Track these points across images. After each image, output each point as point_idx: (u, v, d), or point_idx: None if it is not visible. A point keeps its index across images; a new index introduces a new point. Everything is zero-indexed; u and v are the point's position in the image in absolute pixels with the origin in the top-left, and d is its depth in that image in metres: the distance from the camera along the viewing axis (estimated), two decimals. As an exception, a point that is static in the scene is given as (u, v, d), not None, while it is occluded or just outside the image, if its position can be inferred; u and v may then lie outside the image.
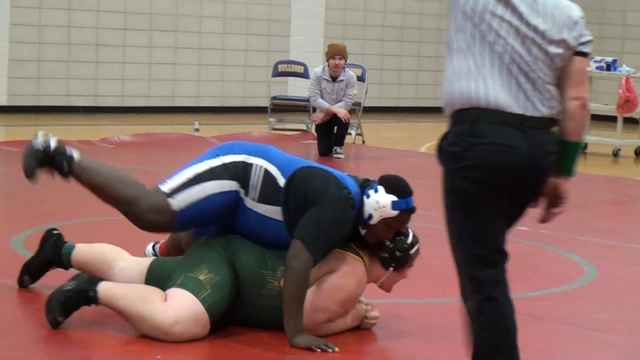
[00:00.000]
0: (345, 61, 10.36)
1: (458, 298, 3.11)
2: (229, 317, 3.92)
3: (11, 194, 7.47)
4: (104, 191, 3.98)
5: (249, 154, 4.02)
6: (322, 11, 15.68)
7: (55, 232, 4.41)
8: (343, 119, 10.14)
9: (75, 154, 4.08)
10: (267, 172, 3.95)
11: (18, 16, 13.12)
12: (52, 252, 4.35)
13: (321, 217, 3.86)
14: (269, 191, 3.93)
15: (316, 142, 10.47)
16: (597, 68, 12.32)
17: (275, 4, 15.14)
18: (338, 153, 10.29)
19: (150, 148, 10.19)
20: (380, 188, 4.06)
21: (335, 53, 10.20)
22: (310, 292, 3.90)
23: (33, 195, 7.15)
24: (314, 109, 10.52)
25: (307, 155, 10.14)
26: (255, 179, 3.94)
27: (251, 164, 3.97)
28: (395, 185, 4.09)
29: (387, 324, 4.16)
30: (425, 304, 4.46)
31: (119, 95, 14.03)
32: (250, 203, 3.94)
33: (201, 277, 3.84)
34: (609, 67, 12.27)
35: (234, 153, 4.03)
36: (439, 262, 5.46)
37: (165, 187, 3.96)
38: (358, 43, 16.00)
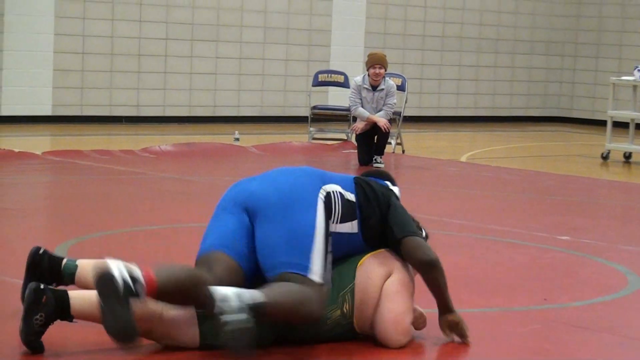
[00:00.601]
0: (386, 70, 10.35)
1: (499, 307, 3.08)
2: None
3: (55, 203, 7.55)
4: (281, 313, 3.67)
5: (323, 183, 4.00)
6: (363, 21, 15.70)
7: (41, 251, 4.12)
8: (383, 128, 10.13)
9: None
10: (341, 195, 3.97)
11: (62, 26, 13.28)
12: (50, 272, 4.11)
13: (402, 212, 4.03)
14: (347, 211, 3.96)
15: (356, 151, 10.47)
16: (640, 76, 12.19)
17: (316, 14, 15.18)
18: (378, 162, 10.27)
19: (190, 157, 10.25)
20: (386, 182, 4.21)
21: (375, 62, 10.20)
22: (388, 301, 3.89)
23: (77, 205, 7.23)
24: (354, 119, 10.53)
25: (347, 164, 10.14)
26: (336, 205, 3.95)
27: (329, 193, 3.97)
28: (391, 177, 4.27)
29: (428, 332, 4.15)
30: (466, 314, 4.44)
31: (160, 105, 14.14)
32: (332, 227, 3.94)
33: None
34: (652, 75, 12.14)
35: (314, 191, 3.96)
36: (477, 271, 5.44)
37: (316, 277, 3.75)
38: (398, 52, 15.99)
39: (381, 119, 10.16)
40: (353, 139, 11.30)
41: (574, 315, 4.57)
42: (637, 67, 12.46)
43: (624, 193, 9.55)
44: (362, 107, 10.31)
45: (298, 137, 12.34)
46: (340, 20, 15.41)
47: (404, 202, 4.16)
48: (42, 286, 3.63)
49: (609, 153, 12.12)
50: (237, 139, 11.74)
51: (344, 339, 3.89)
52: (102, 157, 9.82)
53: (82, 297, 3.68)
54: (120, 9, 13.66)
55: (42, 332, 3.62)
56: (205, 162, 10.01)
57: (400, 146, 11.83)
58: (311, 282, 3.71)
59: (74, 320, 3.68)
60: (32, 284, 3.63)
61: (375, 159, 10.31)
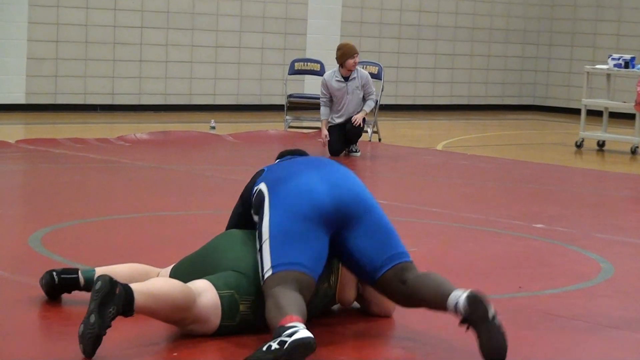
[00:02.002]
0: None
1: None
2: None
3: (30, 191, 7.51)
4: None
5: None
6: (339, 9, 15.68)
7: (55, 273, 4.16)
8: (355, 124, 10.12)
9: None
10: None
11: (36, 15, 13.18)
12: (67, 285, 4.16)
13: None
14: None
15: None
16: (615, 66, 12.27)
17: (293, 2, 15.15)
18: (354, 152, 10.28)
19: (166, 146, 10.22)
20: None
21: (354, 52, 10.20)
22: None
23: (51, 194, 7.19)
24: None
25: (324, 153, 10.14)
26: None
27: None
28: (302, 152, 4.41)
29: (406, 322, 4.16)
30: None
31: (135, 93, 14.07)
32: None
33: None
34: (627, 64, 12.22)
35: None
36: (452, 260, 5.46)
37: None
38: (374, 41, 15.99)
39: (362, 113, 10.17)
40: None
41: (548, 303, 4.60)
42: (611, 55, 12.53)
43: (597, 181, 9.61)
44: (337, 99, 10.27)
45: (274, 126, 12.32)
46: (317, 9, 15.39)
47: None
48: (113, 278, 3.51)
49: (582, 141, 12.18)
50: (213, 128, 11.71)
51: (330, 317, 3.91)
52: (77, 146, 9.76)
53: (144, 292, 3.59)
54: (94, -4, 13.57)
55: (109, 327, 3.50)
56: (181, 151, 9.98)
57: (376, 135, 11.84)
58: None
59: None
60: (103, 276, 3.50)
61: (351, 148, 10.32)
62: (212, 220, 6.28)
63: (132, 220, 6.23)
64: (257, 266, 3.83)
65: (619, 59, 12.31)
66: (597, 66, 12.89)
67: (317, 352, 3.49)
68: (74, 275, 4.15)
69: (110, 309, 3.47)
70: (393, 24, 16.29)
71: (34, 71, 13.25)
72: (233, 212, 4.23)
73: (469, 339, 3.68)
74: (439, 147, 11.65)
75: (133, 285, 3.58)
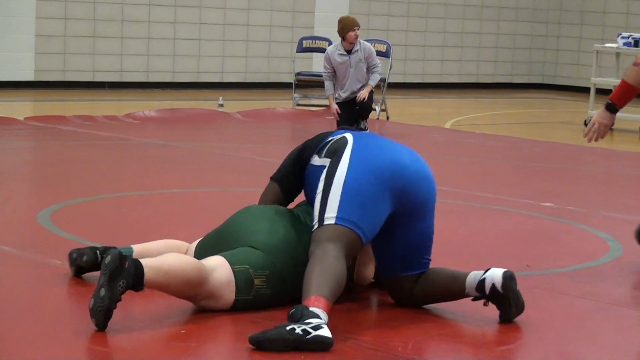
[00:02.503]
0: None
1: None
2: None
3: (38, 168, 7.53)
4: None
5: None
6: (347, -14, 15.62)
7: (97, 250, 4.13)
8: (359, 99, 10.06)
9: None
10: None
11: (44, -8, 13.16)
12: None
13: None
14: None
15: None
16: (625, 44, 12.21)
17: (300, -21, 15.09)
18: (363, 129, 10.27)
19: (174, 123, 10.22)
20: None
21: (354, 24, 10.12)
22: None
23: (60, 171, 7.20)
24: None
25: (334, 128, 10.12)
26: None
27: None
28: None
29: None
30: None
31: (143, 70, 14.06)
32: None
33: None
34: (637, 43, 12.16)
35: None
36: (461, 238, 5.46)
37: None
38: (383, 19, 15.94)
39: (368, 87, 10.09)
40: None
41: (556, 282, 4.60)
42: (620, 34, 12.47)
43: (606, 160, 9.59)
44: (341, 73, 10.20)
45: (282, 104, 12.31)
46: (325, -14, 15.33)
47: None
48: (122, 253, 3.52)
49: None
50: (221, 105, 11.71)
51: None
52: (85, 123, 9.77)
53: (154, 267, 3.58)
54: (102, -27, 13.54)
55: (119, 301, 3.51)
56: (189, 128, 9.98)
57: (384, 113, 11.82)
58: None
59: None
60: (113, 250, 3.52)
61: (361, 125, 10.30)
62: (220, 197, 6.29)
63: (141, 197, 6.24)
64: (272, 241, 3.83)
65: (628, 38, 12.25)
66: (607, 45, 12.84)
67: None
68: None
69: (120, 283, 3.48)
70: (402, 1, 16.22)
71: (42, 48, 13.24)
72: (278, 176, 4.16)
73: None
74: (448, 125, 11.62)
75: (143, 261, 3.58)
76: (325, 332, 3.38)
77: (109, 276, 3.47)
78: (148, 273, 3.56)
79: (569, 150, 9.89)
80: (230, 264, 3.78)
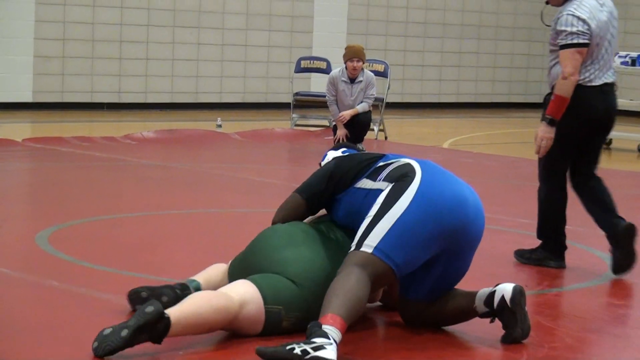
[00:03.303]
0: (364, 62, 10.24)
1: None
2: None
3: (36, 190, 7.52)
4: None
5: None
6: (345, 7, 15.68)
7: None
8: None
9: None
10: None
11: (43, 13, 13.21)
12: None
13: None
14: None
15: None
16: (622, 63, 12.24)
17: (299, 0, 15.15)
18: (360, 150, 10.27)
19: (173, 144, 10.23)
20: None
21: (353, 55, 10.08)
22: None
23: (58, 192, 7.20)
24: (335, 127, 10.31)
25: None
26: None
27: None
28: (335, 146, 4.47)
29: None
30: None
31: (142, 91, 14.09)
32: None
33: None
34: (634, 62, 12.20)
35: None
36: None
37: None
38: (381, 39, 15.98)
39: (350, 112, 10.07)
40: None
41: (554, 301, 4.60)
42: (618, 53, 12.50)
43: (604, 179, 9.58)
44: (341, 100, 10.23)
45: (280, 124, 12.33)
46: (323, 7, 15.39)
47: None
48: (164, 311, 3.46)
49: (590, 139, 12.15)
50: (220, 126, 11.72)
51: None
52: (84, 144, 9.78)
53: (181, 324, 3.52)
54: (101, -5, 13.59)
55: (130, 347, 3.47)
56: (188, 149, 9.99)
57: (382, 132, 11.84)
58: None
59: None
60: (156, 304, 3.44)
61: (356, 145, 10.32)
62: (219, 218, 6.29)
63: (139, 218, 6.24)
64: (309, 275, 3.77)
65: (625, 57, 12.29)
66: (604, 64, 12.85)
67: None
68: (188, 291, 3.99)
69: (143, 337, 3.44)
70: (399, 21, 16.28)
71: (41, 69, 13.27)
72: (299, 191, 4.08)
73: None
74: (446, 145, 11.64)
75: (175, 314, 3.50)
76: (326, 353, 3.36)
77: (139, 326, 3.41)
78: (172, 331, 3.49)
79: (567, 169, 9.89)
80: (265, 301, 3.69)
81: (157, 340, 3.49)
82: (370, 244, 3.66)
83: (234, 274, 3.95)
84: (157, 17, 14.05)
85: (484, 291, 3.85)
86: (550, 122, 5.24)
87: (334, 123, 10.27)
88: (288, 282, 3.76)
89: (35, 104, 13.30)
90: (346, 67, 10.18)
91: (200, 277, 4.06)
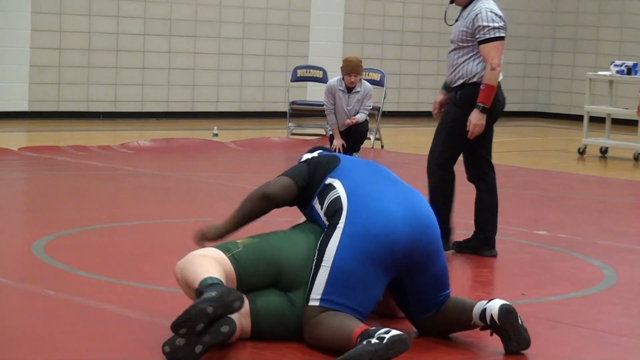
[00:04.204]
0: (361, 75, 10.22)
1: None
2: None
3: (32, 199, 7.51)
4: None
5: None
6: (341, 16, 15.70)
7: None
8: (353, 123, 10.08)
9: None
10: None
11: (39, 22, 13.21)
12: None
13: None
14: None
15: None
16: (618, 72, 12.27)
17: (295, 9, 15.16)
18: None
19: (169, 153, 10.23)
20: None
21: (350, 70, 10.04)
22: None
23: (54, 201, 7.19)
24: (332, 137, 10.30)
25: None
26: None
27: None
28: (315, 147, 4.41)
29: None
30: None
31: (138, 100, 14.09)
32: None
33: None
34: (630, 71, 12.22)
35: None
36: (455, 267, 5.45)
37: None
38: (377, 48, 16.00)
39: (353, 119, 10.06)
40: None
41: (551, 310, 4.60)
42: (613, 62, 12.53)
43: (600, 188, 9.61)
44: (338, 109, 10.22)
45: (277, 133, 12.33)
46: (319, 16, 15.41)
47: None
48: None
49: (585, 148, 12.18)
50: (216, 135, 11.72)
51: None
52: (80, 153, 9.77)
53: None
54: (97, 4, 13.60)
55: None
56: (184, 158, 9.98)
57: (379, 141, 11.84)
58: None
59: None
60: (234, 323, 3.61)
61: (353, 156, 10.31)
62: (214, 227, 6.27)
63: (135, 227, 6.23)
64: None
65: (621, 66, 12.31)
66: (600, 73, 12.89)
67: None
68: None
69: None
70: (395, 30, 16.30)
71: (36, 79, 13.27)
72: (291, 176, 4.03)
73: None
74: (442, 153, 11.62)
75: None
76: (396, 332, 3.46)
77: (213, 344, 3.55)
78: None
79: (563, 178, 9.91)
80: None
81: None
82: (315, 297, 3.75)
83: (246, 275, 3.87)
84: (153, 26, 14.06)
85: (478, 306, 3.87)
86: (483, 110, 5.80)
87: (330, 132, 10.27)
88: (288, 305, 3.82)
89: (31, 113, 13.29)
90: (344, 79, 10.18)
91: (215, 272, 3.83)
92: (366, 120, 10.35)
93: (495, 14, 5.89)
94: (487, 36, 5.80)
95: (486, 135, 5.91)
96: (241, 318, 3.75)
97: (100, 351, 3.70)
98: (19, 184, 8.21)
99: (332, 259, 3.75)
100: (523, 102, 17.91)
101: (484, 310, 3.83)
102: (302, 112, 12.64)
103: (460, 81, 5.84)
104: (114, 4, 13.72)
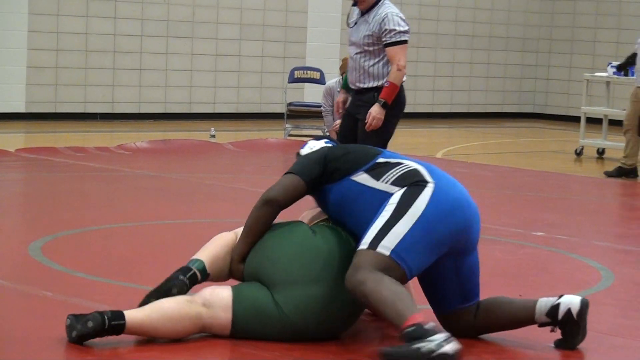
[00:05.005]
0: None
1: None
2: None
3: (29, 200, 7.51)
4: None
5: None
6: (339, 17, 15.70)
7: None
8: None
9: None
10: None
11: (36, 23, 13.20)
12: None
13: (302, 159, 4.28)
14: None
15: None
16: (615, 73, 12.28)
17: (292, 10, 15.17)
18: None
19: (166, 154, 10.23)
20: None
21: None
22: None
23: (51, 202, 7.19)
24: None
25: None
26: None
27: None
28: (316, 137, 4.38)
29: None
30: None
31: (135, 102, 14.08)
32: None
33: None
34: (627, 72, 12.23)
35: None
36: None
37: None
38: (374, 49, 16.00)
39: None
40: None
41: (548, 311, 4.59)
42: (610, 63, 12.54)
43: (597, 189, 9.61)
44: (333, 111, 10.23)
45: (274, 134, 12.33)
46: (316, 17, 15.41)
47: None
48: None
49: (582, 149, 12.19)
50: (213, 136, 11.72)
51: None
52: (77, 154, 9.77)
53: (135, 328, 3.71)
54: (94, 5, 13.59)
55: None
56: (181, 159, 9.98)
57: (376, 143, 11.83)
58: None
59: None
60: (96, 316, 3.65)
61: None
62: (213, 228, 6.27)
63: (132, 228, 6.23)
64: (302, 308, 3.75)
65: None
66: (597, 74, 12.90)
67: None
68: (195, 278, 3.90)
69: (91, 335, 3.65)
70: (393, 32, 16.30)
71: (34, 80, 13.26)
72: (295, 172, 3.93)
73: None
74: (439, 155, 11.65)
75: (130, 323, 3.66)
76: (450, 345, 3.45)
77: (83, 335, 3.65)
78: (130, 330, 3.68)
79: (560, 179, 9.91)
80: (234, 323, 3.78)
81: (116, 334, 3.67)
82: (387, 246, 3.65)
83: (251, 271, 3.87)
84: (151, 28, 14.05)
85: (545, 303, 3.88)
86: (384, 105, 6.19)
87: (327, 133, 10.27)
88: (272, 306, 3.76)
89: (28, 114, 13.28)
90: (342, 79, 10.19)
91: (204, 255, 3.91)
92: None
93: (401, 18, 6.22)
94: (395, 39, 6.15)
95: (381, 135, 6.19)
96: (220, 312, 3.74)
97: (97, 352, 3.70)
98: (16, 185, 8.21)
99: (420, 212, 3.68)
100: (520, 103, 17.92)
101: (556, 306, 3.85)
102: (300, 113, 12.64)
103: (371, 84, 6.21)
104: (111, 5, 13.71)
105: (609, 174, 10.23)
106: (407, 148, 12.15)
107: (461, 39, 17.02)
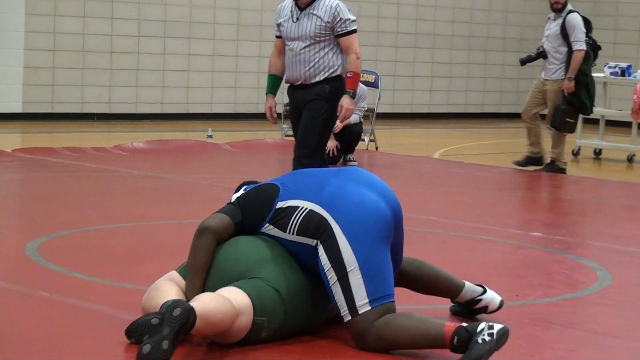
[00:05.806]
0: None
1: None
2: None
3: (26, 200, 7.51)
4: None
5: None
6: (335, 18, 15.71)
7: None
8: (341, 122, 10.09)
9: None
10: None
11: (33, 24, 13.19)
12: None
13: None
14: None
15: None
16: (612, 74, 12.29)
17: (289, 10, 15.17)
18: (351, 160, 10.29)
19: (163, 155, 10.22)
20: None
21: None
22: None
23: (48, 203, 7.19)
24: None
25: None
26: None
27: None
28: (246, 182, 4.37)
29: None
30: (439, 310, 4.46)
31: (132, 102, 14.08)
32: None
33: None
34: (624, 72, 12.24)
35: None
36: (450, 268, 5.45)
37: None
38: (371, 49, 16.01)
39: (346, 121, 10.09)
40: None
41: (545, 311, 4.60)
42: (607, 64, 12.55)
43: (594, 189, 9.62)
44: None
45: (271, 134, 12.33)
46: (313, 17, 15.42)
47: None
48: (192, 308, 3.50)
49: (579, 149, 12.20)
50: (210, 136, 11.72)
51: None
52: (74, 155, 9.76)
53: (203, 319, 3.56)
54: (91, 6, 13.59)
55: None
56: (178, 159, 9.98)
57: (373, 143, 11.84)
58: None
59: None
60: (183, 304, 3.47)
61: (347, 157, 10.32)
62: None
63: (130, 228, 6.23)
64: (291, 287, 3.81)
65: (615, 67, 12.33)
66: (594, 74, 12.91)
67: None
68: None
69: (181, 337, 3.49)
70: (390, 32, 16.31)
71: (31, 80, 13.25)
72: (224, 212, 4.05)
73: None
74: (436, 155, 11.65)
75: (198, 312, 3.53)
76: (498, 325, 3.58)
77: (177, 330, 3.43)
78: (197, 325, 3.54)
79: (557, 179, 9.92)
80: (254, 313, 3.71)
81: (187, 333, 3.53)
82: (363, 302, 3.75)
83: (208, 285, 3.89)
84: (148, 28, 14.05)
85: (473, 290, 4.24)
86: (353, 95, 6.30)
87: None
88: (272, 290, 3.79)
89: (25, 114, 13.28)
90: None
91: (169, 298, 3.87)
92: (360, 121, 10.37)
93: (348, 8, 6.33)
94: (349, 29, 6.25)
95: (330, 126, 6.40)
96: (240, 316, 3.71)
97: (95, 352, 3.70)
98: (13, 185, 8.20)
99: (354, 261, 3.76)
100: (517, 104, 17.92)
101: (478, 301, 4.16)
102: (297, 113, 12.63)
103: (323, 75, 6.29)
104: (108, 5, 13.71)
105: (517, 163, 10.24)
106: (405, 149, 12.15)
107: (458, 39, 17.03)
